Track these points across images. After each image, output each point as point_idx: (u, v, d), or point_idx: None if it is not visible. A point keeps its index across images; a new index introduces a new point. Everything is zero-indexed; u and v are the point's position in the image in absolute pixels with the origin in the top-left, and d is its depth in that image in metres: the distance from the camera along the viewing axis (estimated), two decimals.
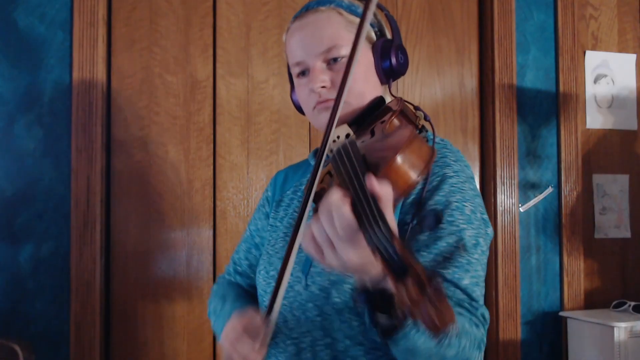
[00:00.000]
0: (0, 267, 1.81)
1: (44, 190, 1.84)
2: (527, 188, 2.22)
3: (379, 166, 0.70)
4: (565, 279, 2.22)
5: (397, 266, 0.59)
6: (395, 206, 0.70)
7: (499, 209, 2.17)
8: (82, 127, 1.86)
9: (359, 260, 0.66)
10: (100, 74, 1.88)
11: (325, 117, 0.97)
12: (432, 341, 0.73)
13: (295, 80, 1.04)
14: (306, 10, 1.01)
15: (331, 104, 0.91)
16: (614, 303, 2.19)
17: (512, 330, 2.16)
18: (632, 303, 2.10)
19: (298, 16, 1.02)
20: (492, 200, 2.19)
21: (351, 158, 0.72)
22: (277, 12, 2.05)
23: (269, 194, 1.21)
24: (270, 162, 2.02)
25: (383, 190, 0.65)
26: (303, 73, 1.00)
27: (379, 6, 1.02)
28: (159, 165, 1.96)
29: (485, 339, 0.86)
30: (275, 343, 1.00)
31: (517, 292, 2.16)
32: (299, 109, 1.08)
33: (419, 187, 0.89)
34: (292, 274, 0.97)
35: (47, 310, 1.82)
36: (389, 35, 1.03)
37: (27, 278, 1.82)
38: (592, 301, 2.26)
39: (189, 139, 1.98)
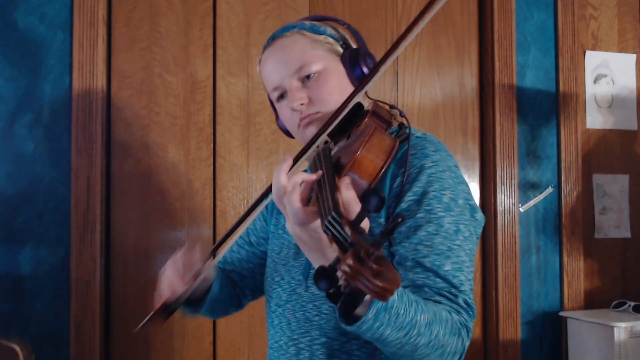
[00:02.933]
0: (0, 267, 1.81)
1: (44, 191, 1.84)
2: (527, 188, 2.22)
3: (346, 162, 0.81)
4: (565, 279, 2.22)
5: (345, 243, 0.63)
6: (364, 192, 0.78)
7: (499, 209, 2.17)
8: (82, 127, 1.86)
9: (313, 245, 0.77)
10: (101, 74, 1.88)
11: (310, 131, 1.02)
12: (399, 332, 0.76)
13: (276, 105, 1.09)
14: (272, 39, 1.07)
15: (313, 117, 1.01)
16: (614, 303, 2.19)
17: (512, 330, 2.16)
18: (632, 303, 2.10)
19: (267, 46, 1.08)
20: (492, 200, 2.19)
21: (321, 161, 0.84)
22: (277, 12, 2.05)
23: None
24: (270, 162, 2.02)
25: (345, 194, 0.75)
26: (282, 96, 1.05)
27: (338, 22, 1.11)
28: (159, 165, 1.96)
29: (470, 324, 0.88)
30: (279, 346, 1.04)
31: (517, 292, 2.16)
32: (287, 133, 1.13)
33: (398, 179, 0.93)
34: (293, 278, 1.03)
35: (47, 310, 1.82)
36: (354, 46, 1.08)
37: (27, 278, 1.82)
38: (592, 301, 2.26)
39: (189, 139, 1.98)
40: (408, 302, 0.78)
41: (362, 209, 0.64)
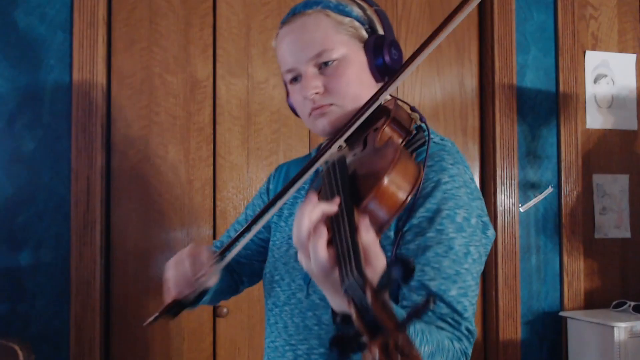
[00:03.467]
0: (0, 268, 1.81)
1: (44, 191, 1.84)
2: (527, 188, 2.22)
3: (367, 189, 0.71)
4: (565, 279, 2.22)
5: (368, 318, 0.57)
6: (386, 228, 0.73)
7: (499, 209, 2.17)
8: (82, 127, 1.86)
9: (333, 292, 0.68)
10: (100, 74, 1.88)
11: (321, 123, 0.96)
12: None
13: (289, 87, 1.02)
14: (293, 14, 0.99)
15: (326, 110, 0.94)
16: (614, 303, 2.19)
17: (512, 330, 2.16)
18: (632, 303, 2.10)
19: (285, 21, 1.00)
20: (492, 200, 2.19)
21: (337, 180, 0.73)
22: (277, 12, 2.05)
23: (271, 186, 1.20)
24: (270, 162, 2.02)
25: (366, 237, 0.67)
26: (295, 79, 0.99)
27: (367, 1, 1.01)
28: (159, 165, 1.96)
29: (469, 352, 0.85)
30: (275, 347, 1.02)
31: (517, 292, 2.16)
32: (296, 113, 1.07)
33: None
34: (294, 281, 0.99)
35: (47, 310, 1.82)
36: (380, 32, 1.00)
37: (27, 278, 1.82)
38: (592, 301, 2.26)
39: (189, 139, 1.98)
40: (414, 334, 0.75)
41: (388, 277, 0.58)
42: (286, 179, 1.17)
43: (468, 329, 0.85)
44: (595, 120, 2.32)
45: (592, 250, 2.28)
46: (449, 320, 0.84)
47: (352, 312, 0.58)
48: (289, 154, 2.03)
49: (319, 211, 0.69)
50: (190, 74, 1.99)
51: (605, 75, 2.35)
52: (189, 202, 1.97)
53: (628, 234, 2.33)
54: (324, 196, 0.75)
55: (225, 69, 2.01)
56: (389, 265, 0.58)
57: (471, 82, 2.26)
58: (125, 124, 1.95)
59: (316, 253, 0.67)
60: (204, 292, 1.07)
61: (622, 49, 2.38)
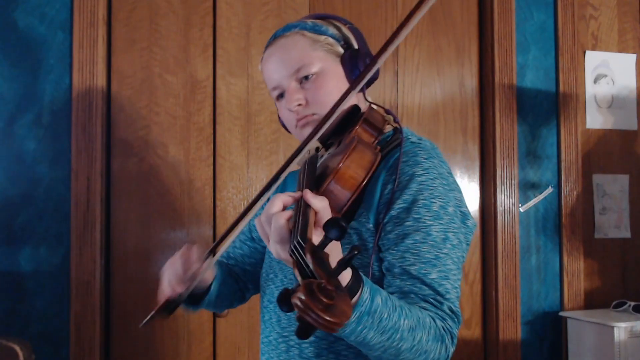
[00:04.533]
0: (0, 267, 1.81)
1: (44, 191, 1.84)
2: (527, 188, 2.22)
3: (328, 173, 0.85)
4: (565, 279, 2.22)
5: (307, 274, 0.65)
6: (346, 207, 0.86)
7: (499, 209, 2.17)
8: (82, 127, 1.86)
9: (286, 258, 0.77)
10: (101, 74, 1.88)
11: (306, 131, 1.03)
12: (382, 335, 0.78)
13: (276, 103, 1.10)
14: (274, 38, 1.08)
15: (310, 119, 1.03)
16: (614, 303, 2.19)
17: (512, 330, 2.16)
18: (632, 303, 2.10)
19: (268, 45, 1.09)
20: (492, 200, 2.19)
21: (305, 172, 0.87)
22: (277, 12, 2.05)
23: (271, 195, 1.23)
24: (270, 162, 2.03)
25: (316, 202, 0.78)
26: (281, 95, 1.06)
27: (341, 21, 1.10)
28: (159, 165, 1.96)
29: (455, 331, 0.89)
30: (269, 341, 1.07)
31: (517, 292, 2.16)
32: (287, 129, 1.14)
33: (389, 186, 0.93)
34: (286, 277, 1.05)
35: (47, 310, 1.82)
36: (356, 46, 1.07)
37: (27, 278, 1.82)
38: (592, 301, 2.26)
39: (189, 139, 1.98)
40: (392, 307, 0.79)
41: (324, 237, 0.65)
42: (284, 191, 1.21)
43: (451, 309, 0.89)
44: (595, 120, 2.32)
45: (592, 250, 2.28)
46: (431, 300, 0.88)
47: (295, 271, 0.67)
48: (289, 154, 2.00)
49: (288, 197, 0.81)
50: (190, 74, 1.99)
51: (605, 75, 2.35)
52: (189, 202, 1.97)
53: (628, 234, 2.33)
54: (299, 187, 0.87)
55: (225, 69, 2.01)
56: (325, 226, 0.65)
57: (471, 82, 2.26)
58: (126, 124, 1.95)
59: (277, 222, 0.77)
60: (202, 295, 1.13)
61: (622, 49, 2.38)
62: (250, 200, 0.95)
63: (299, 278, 0.65)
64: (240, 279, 1.26)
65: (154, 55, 1.97)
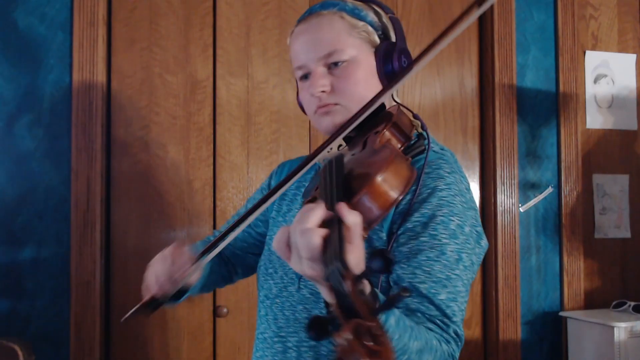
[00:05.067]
0: (0, 267, 1.81)
1: (44, 191, 1.84)
2: (527, 188, 2.22)
3: (360, 185, 0.75)
4: (565, 279, 2.22)
5: (346, 304, 0.60)
6: (375, 224, 0.75)
7: (499, 209, 2.17)
8: (82, 127, 1.86)
9: (316, 278, 0.68)
10: (100, 74, 1.88)
11: (325, 121, 0.99)
12: None
13: (299, 83, 1.05)
14: (309, 14, 1.02)
15: (331, 108, 0.97)
16: (614, 303, 2.19)
17: (512, 330, 2.16)
18: (632, 303, 2.10)
19: (301, 20, 1.03)
20: (492, 200, 2.19)
21: (331, 177, 0.77)
22: (277, 12, 2.05)
23: (273, 182, 1.22)
24: (270, 162, 2.02)
25: (351, 219, 0.68)
26: (305, 76, 1.01)
27: (384, 8, 1.04)
28: (159, 165, 1.96)
29: (456, 355, 0.87)
30: (264, 338, 1.04)
31: (517, 292, 2.16)
32: (304, 111, 1.09)
33: (408, 197, 0.89)
34: (287, 274, 1.01)
35: (47, 310, 1.82)
36: (393, 39, 1.02)
37: (27, 278, 1.82)
38: (592, 301, 2.26)
39: (189, 139, 1.98)
40: (404, 328, 0.76)
41: (367, 268, 0.61)
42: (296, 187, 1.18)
43: (456, 333, 0.87)
44: (595, 120, 2.32)
45: (592, 250, 2.28)
46: (438, 322, 0.85)
47: (332, 298, 0.62)
48: (289, 154, 2.03)
49: (319, 214, 0.70)
50: (190, 74, 1.99)
51: (605, 75, 2.35)
52: (189, 202, 1.97)
53: (628, 234, 2.33)
54: (321, 192, 0.78)
55: (225, 69, 2.01)
56: (369, 256, 0.61)
57: (471, 82, 2.26)
58: (125, 123, 1.95)
59: (312, 239, 0.66)
60: (185, 290, 1.08)
61: (622, 49, 2.38)
62: (253, 202, 0.91)
63: (338, 313, 0.59)
64: (230, 262, 1.22)
65: (154, 55, 1.97)
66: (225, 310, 1.94)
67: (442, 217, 0.88)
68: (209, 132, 1.99)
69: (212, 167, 1.99)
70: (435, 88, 2.22)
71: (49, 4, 1.88)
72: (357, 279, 0.60)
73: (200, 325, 1.96)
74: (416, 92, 2.20)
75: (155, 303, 1.00)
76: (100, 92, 1.88)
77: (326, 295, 0.70)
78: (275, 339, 1.00)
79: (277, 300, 1.01)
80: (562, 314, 2.19)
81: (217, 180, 1.99)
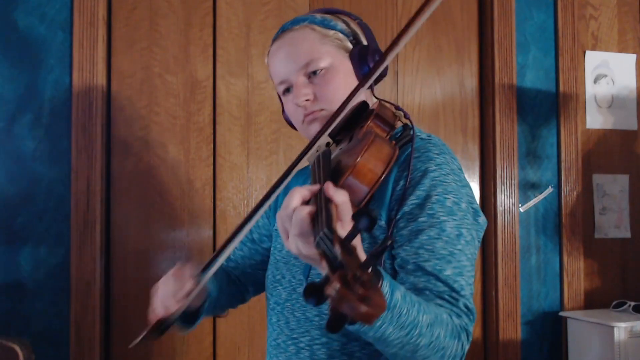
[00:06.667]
0: (0, 267, 1.81)
1: (44, 191, 1.84)
2: (527, 188, 2.22)
3: (346, 167, 0.83)
4: (565, 279, 2.22)
5: (337, 265, 0.63)
6: (364, 202, 0.82)
7: (499, 209, 2.17)
8: (82, 127, 1.86)
9: (308, 253, 0.73)
10: (100, 74, 1.88)
11: (313, 128, 1.02)
12: (401, 331, 0.76)
13: (282, 98, 1.09)
14: (282, 31, 1.06)
15: (318, 115, 1.01)
16: (614, 303, 2.19)
17: (512, 330, 2.16)
18: (632, 303, 2.10)
19: (276, 38, 1.07)
20: (492, 200, 2.19)
21: (320, 167, 0.85)
22: (277, 12, 2.05)
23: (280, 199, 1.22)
24: (270, 162, 2.03)
25: (337, 196, 0.74)
26: (288, 90, 1.05)
27: (351, 16, 1.09)
28: (159, 165, 1.96)
29: (470, 329, 0.87)
30: (277, 344, 1.04)
31: (517, 292, 2.16)
32: (292, 126, 1.13)
33: (401, 182, 0.92)
34: (294, 277, 1.03)
35: (47, 310, 1.82)
36: (364, 42, 1.06)
37: (27, 278, 1.82)
38: (592, 301, 2.26)
39: (189, 139, 1.98)
40: (411, 302, 0.77)
41: (353, 228, 0.64)
42: (286, 191, 1.18)
43: (466, 306, 0.87)
44: (595, 120, 2.32)
45: (592, 250, 2.28)
46: (447, 297, 0.86)
47: (323, 264, 0.64)
48: (289, 154, 2.03)
49: (307, 191, 0.77)
50: (190, 74, 1.99)
51: (605, 75, 2.35)
52: (189, 202, 1.97)
53: (628, 234, 2.33)
54: (314, 181, 0.84)
55: (225, 69, 2.01)
56: (355, 216, 0.63)
57: (471, 82, 2.26)
58: (125, 123, 1.95)
59: (298, 215, 0.73)
60: (198, 312, 1.10)
61: (622, 49, 2.38)
62: (255, 204, 0.91)
63: (328, 271, 0.62)
64: (240, 282, 1.25)
65: (154, 55, 1.97)
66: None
67: (437, 196, 0.90)
68: (209, 132, 1.99)
69: (212, 167, 1.99)
70: (435, 88, 2.22)
71: (49, 4, 1.88)
72: (345, 240, 0.63)
73: (200, 325, 1.94)
74: (416, 92, 2.20)
75: (163, 326, 1.01)
76: (100, 92, 1.88)
77: (322, 269, 0.72)
78: (289, 342, 1.01)
79: (288, 304, 1.03)
80: (562, 314, 2.19)
81: (217, 180, 1.99)
